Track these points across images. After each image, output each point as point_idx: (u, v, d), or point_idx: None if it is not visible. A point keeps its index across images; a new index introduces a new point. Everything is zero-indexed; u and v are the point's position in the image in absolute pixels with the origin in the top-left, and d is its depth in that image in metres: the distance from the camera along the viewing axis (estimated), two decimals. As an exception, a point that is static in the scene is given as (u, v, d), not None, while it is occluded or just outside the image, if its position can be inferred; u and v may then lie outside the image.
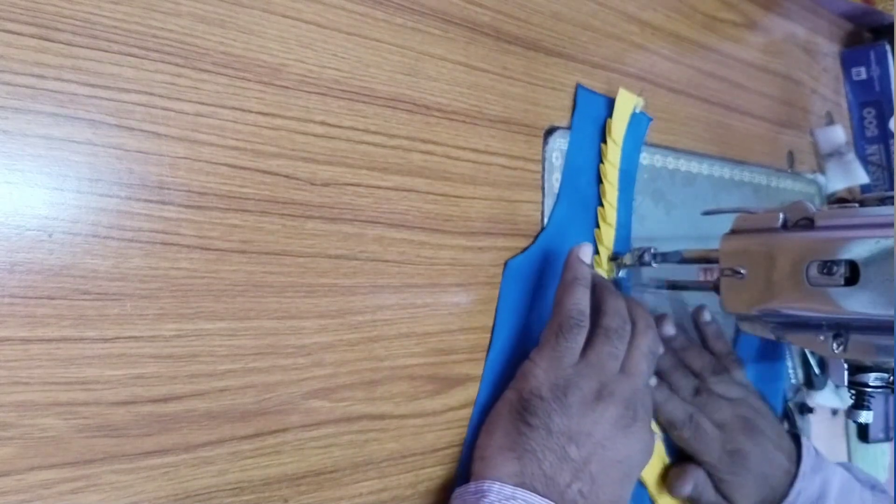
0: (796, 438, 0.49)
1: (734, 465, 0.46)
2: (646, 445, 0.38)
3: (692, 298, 0.53)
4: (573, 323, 0.37)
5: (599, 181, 0.46)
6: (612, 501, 0.36)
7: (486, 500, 0.33)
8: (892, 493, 0.49)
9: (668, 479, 0.47)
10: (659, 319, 0.48)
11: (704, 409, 0.47)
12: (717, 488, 0.46)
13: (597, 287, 0.41)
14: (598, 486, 0.35)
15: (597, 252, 0.46)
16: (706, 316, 0.52)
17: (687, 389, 0.48)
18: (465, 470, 0.39)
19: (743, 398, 0.48)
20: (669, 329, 0.49)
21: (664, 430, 0.47)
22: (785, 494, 0.46)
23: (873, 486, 0.50)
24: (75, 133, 0.27)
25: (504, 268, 0.41)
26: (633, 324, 0.40)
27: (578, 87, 0.46)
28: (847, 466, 0.51)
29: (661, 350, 0.42)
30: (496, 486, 0.33)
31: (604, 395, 0.37)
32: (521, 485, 0.33)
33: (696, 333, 0.52)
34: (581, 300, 0.38)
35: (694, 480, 0.46)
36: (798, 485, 0.45)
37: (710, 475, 0.46)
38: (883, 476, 0.74)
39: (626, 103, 0.47)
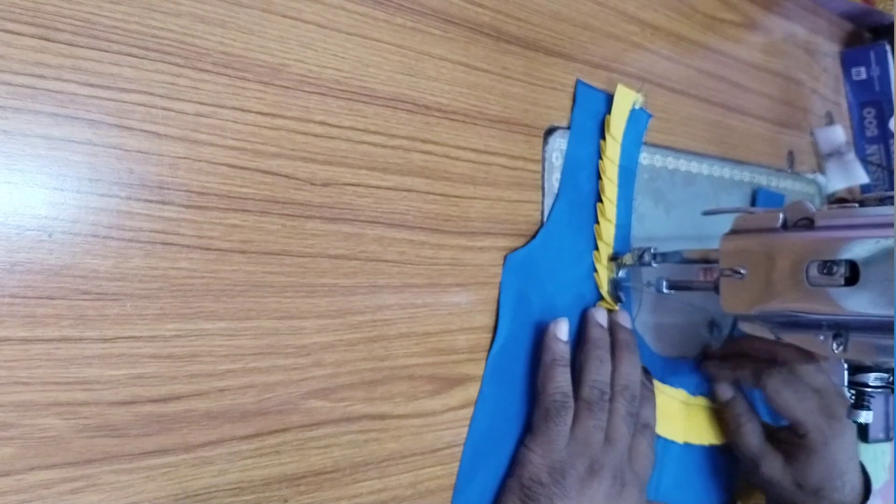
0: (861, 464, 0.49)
1: (831, 432, 0.45)
2: None
3: (692, 299, 0.53)
4: (558, 406, 0.39)
5: (599, 177, 0.47)
6: None
7: None
8: (892, 493, 0.49)
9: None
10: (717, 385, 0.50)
11: (800, 369, 0.47)
12: (790, 461, 0.46)
13: (583, 347, 0.43)
14: None
15: (596, 248, 0.46)
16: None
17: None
18: (465, 470, 0.39)
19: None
20: (726, 392, 0.50)
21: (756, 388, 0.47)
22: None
23: None
24: (75, 133, 0.27)
25: (504, 262, 0.41)
26: (612, 387, 0.42)
27: (578, 82, 0.46)
28: None
29: (636, 408, 0.43)
30: None
31: (595, 470, 0.39)
32: None
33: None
34: (562, 382, 0.40)
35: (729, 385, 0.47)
36: (872, 500, 0.46)
37: (782, 446, 0.46)
38: (883, 476, 0.74)
39: (625, 99, 0.47)
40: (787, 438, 0.47)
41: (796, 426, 0.46)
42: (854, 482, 0.46)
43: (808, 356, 0.45)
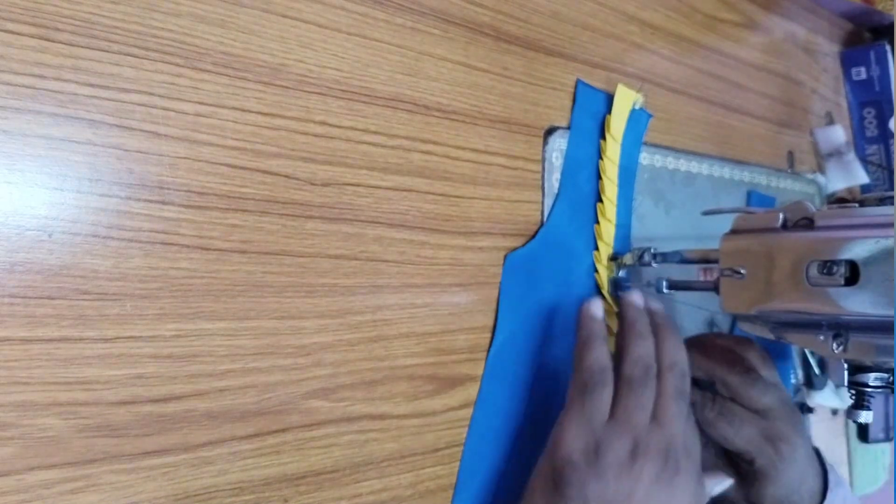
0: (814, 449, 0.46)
1: (778, 457, 0.41)
2: (695, 499, 0.36)
3: (692, 299, 0.53)
4: (596, 380, 0.36)
5: (599, 177, 0.47)
6: None
7: None
8: (893, 493, 0.49)
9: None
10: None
11: (737, 392, 0.43)
12: (743, 482, 0.43)
13: (621, 327, 0.40)
14: None
15: (596, 248, 0.46)
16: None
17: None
18: (465, 470, 0.39)
19: (782, 390, 0.44)
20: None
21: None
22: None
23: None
24: (75, 133, 0.27)
25: (504, 261, 0.41)
26: (659, 365, 0.38)
27: (578, 82, 0.46)
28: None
29: (688, 386, 0.39)
30: None
31: (639, 453, 0.34)
32: None
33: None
34: (601, 356, 0.37)
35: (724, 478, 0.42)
36: (829, 497, 0.43)
37: (735, 467, 0.43)
38: (883, 476, 0.74)
39: (625, 99, 0.47)
40: (738, 460, 0.43)
41: (741, 455, 0.42)
42: (812, 486, 0.43)
43: (747, 374, 0.42)
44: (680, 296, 0.52)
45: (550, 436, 0.37)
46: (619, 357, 0.38)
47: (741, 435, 0.41)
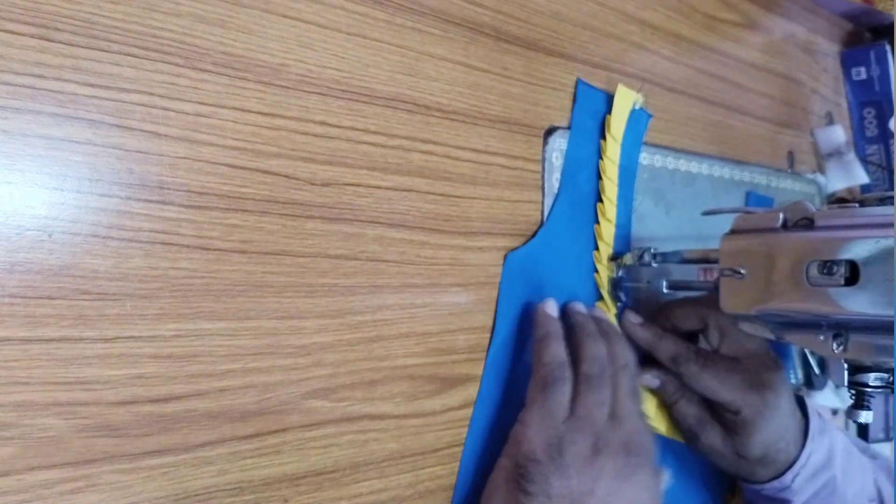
0: (797, 396, 0.46)
1: (763, 405, 0.42)
2: (652, 492, 0.36)
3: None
4: (556, 376, 0.37)
5: (599, 177, 0.47)
6: None
7: None
8: (884, 478, 0.49)
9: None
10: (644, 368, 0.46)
11: (719, 340, 0.44)
12: (729, 433, 0.43)
13: (575, 331, 0.41)
14: None
15: (596, 248, 0.46)
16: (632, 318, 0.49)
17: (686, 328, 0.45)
18: (465, 470, 0.39)
19: (759, 351, 0.45)
20: (652, 382, 0.46)
21: (668, 369, 0.44)
22: (795, 456, 0.43)
23: (864, 451, 0.49)
24: (75, 133, 0.27)
25: (504, 260, 0.41)
26: (614, 364, 0.39)
27: (578, 81, 0.46)
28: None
29: (639, 385, 0.41)
30: None
31: (600, 448, 0.35)
32: None
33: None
34: (558, 353, 0.38)
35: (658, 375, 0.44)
36: (809, 446, 0.43)
37: (720, 418, 0.43)
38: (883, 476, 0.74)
39: (625, 99, 0.47)
40: (724, 411, 0.43)
41: (727, 406, 0.43)
42: (794, 433, 0.44)
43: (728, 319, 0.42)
44: (680, 296, 0.52)
45: (511, 433, 0.37)
46: (573, 359, 0.39)
47: (727, 385, 0.42)
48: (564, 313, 0.42)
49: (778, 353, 0.59)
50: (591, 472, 0.35)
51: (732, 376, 0.42)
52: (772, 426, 0.43)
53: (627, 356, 0.40)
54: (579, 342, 0.40)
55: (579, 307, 0.43)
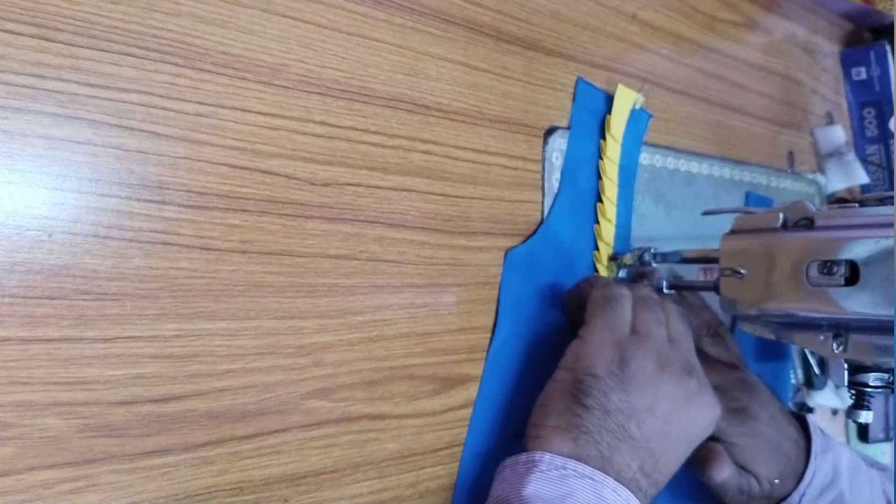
0: (798, 415, 0.46)
1: (743, 427, 0.42)
2: (710, 418, 0.37)
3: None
4: (615, 294, 0.37)
5: (599, 177, 0.47)
6: (670, 475, 0.35)
7: (537, 468, 0.32)
8: (893, 490, 0.49)
9: (697, 463, 0.43)
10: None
11: (726, 337, 0.45)
12: (734, 459, 0.43)
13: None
14: (661, 463, 0.34)
15: (596, 248, 0.46)
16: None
17: None
18: (465, 470, 0.39)
19: (739, 365, 0.45)
20: (722, 474, 0.44)
21: None
22: (801, 474, 0.43)
23: (872, 465, 0.49)
24: (75, 133, 0.27)
25: (504, 257, 0.41)
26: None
27: (579, 80, 0.46)
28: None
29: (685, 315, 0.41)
30: (547, 456, 0.33)
31: (663, 366, 0.35)
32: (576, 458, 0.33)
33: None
34: (611, 281, 0.39)
35: (727, 461, 0.42)
36: (813, 464, 0.43)
37: (722, 444, 0.43)
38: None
39: (626, 99, 0.47)
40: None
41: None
42: (794, 453, 0.43)
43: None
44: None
45: (570, 348, 0.37)
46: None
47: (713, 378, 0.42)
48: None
49: (778, 354, 0.60)
50: (653, 389, 0.35)
51: (719, 372, 0.44)
52: (763, 447, 0.43)
53: (671, 303, 0.41)
54: (625, 286, 0.40)
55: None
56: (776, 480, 0.43)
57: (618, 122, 0.47)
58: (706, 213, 0.49)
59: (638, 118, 0.48)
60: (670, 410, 0.35)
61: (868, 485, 0.46)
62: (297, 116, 0.33)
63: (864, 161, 0.73)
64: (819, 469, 0.44)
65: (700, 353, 0.43)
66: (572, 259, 0.45)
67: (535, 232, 0.43)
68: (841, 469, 0.45)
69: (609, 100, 0.47)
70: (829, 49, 0.75)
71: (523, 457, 0.34)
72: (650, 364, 0.35)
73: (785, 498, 0.43)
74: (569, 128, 0.45)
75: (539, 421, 0.36)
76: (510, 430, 0.41)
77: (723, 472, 0.42)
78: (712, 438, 0.41)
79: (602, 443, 0.33)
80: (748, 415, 0.43)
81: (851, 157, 0.70)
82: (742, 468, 0.43)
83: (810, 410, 0.62)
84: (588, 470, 0.32)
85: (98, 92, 0.28)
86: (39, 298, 0.27)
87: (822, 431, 0.46)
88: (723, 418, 0.41)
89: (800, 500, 0.43)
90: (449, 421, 0.39)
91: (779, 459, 0.43)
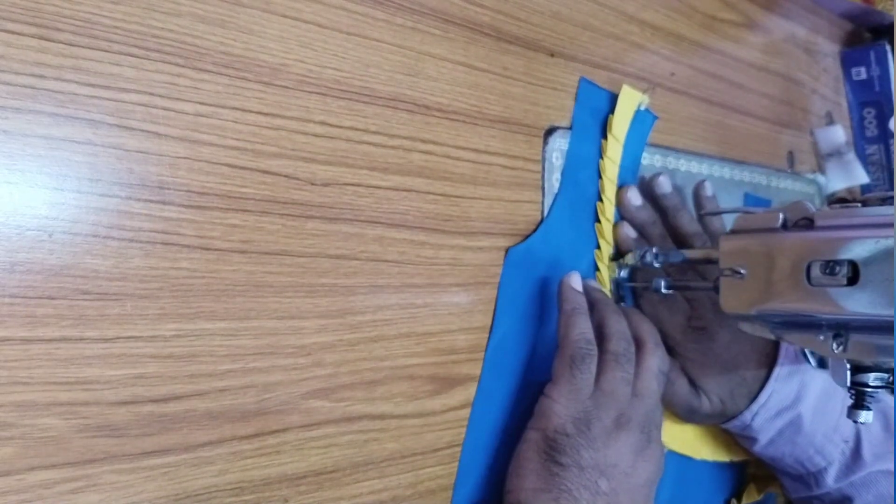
0: (776, 343, 0.46)
1: (698, 343, 0.45)
2: (659, 465, 0.39)
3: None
4: (583, 353, 0.38)
5: (600, 176, 0.46)
6: None
7: None
8: (893, 487, 0.48)
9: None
10: (627, 188, 0.47)
11: (681, 277, 0.45)
12: (686, 373, 0.45)
13: (596, 308, 0.42)
14: None
15: (598, 247, 0.46)
16: (708, 190, 0.52)
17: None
18: (465, 467, 0.39)
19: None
20: (635, 199, 0.47)
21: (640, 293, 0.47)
22: (755, 394, 0.44)
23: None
24: (75, 133, 0.27)
25: (505, 255, 0.41)
26: (640, 343, 0.41)
27: (581, 79, 0.46)
28: None
29: (666, 368, 0.42)
30: None
31: (622, 423, 0.38)
32: None
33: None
34: (585, 329, 0.39)
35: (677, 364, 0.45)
36: (771, 386, 0.44)
37: (677, 355, 0.45)
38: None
39: (630, 100, 0.47)
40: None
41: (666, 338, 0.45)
42: (752, 375, 0.45)
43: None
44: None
45: (538, 407, 0.39)
46: (597, 334, 0.40)
47: (670, 323, 0.46)
48: (585, 287, 0.43)
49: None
50: (616, 446, 0.37)
51: (679, 314, 0.45)
52: (715, 367, 0.44)
53: (654, 333, 0.42)
54: (602, 318, 0.41)
55: (595, 284, 0.45)
56: (727, 399, 0.45)
57: (620, 123, 0.47)
58: (706, 214, 0.49)
59: (643, 119, 0.48)
60: (631, 464, 0.37)
61: (837, 413, 0.46)
62: (298, 116, 0.33)
63: (864, 161, 0.73)
64: (777, 391, 0.44)
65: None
66: (572, 258, 0.45)
67: (536, 229, 0.43)
68: (805, 393, 0.44)
69: (612, 99, 0.47)
70: (829, 49, 0.75)
71: None
72: (610, 422, 0.37)
73: (737, 416, 0.45)
74: (569, 127, 0.45)
75: (517, 485, 0.37)
76: (509, 428, 0.41)
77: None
78: (670, 352, 0.45)
79: (581, 500, 0.35)
80: (706, 333, 0.45)
81: (851, 157, 0.70)
82: (692, 383, 0.45)
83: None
84: None
85: (98, 92, 0.28)
86: (40, 298, 0.27)
87: (797, 356, 0.45)
88: (681, 332, 0.45)
89: (752, 419, 0.44)
90: (449, 421, 0.39)
91: (731, 379, 0.45)
